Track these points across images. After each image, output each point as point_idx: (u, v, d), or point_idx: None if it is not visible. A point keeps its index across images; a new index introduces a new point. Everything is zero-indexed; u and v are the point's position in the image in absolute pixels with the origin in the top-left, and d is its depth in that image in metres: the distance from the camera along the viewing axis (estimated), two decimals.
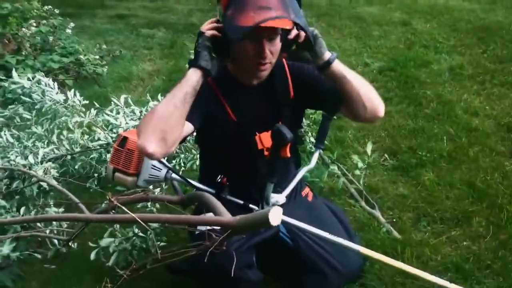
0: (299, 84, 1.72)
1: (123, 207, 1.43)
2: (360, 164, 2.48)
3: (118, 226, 2.08)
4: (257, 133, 1.70)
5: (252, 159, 1.72)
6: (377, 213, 2.34)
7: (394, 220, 2.32)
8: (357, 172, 2.49)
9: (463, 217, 2.28)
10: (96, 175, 2.54)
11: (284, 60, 1.71)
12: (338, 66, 1.58)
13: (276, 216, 1.18)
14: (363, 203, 2.42)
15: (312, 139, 2.64)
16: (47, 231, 2.04)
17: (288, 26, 1.45)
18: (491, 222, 2.21)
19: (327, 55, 1.56)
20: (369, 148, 2.49)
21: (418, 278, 1.57)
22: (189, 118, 1.54)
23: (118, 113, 2.71)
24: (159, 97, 2.85)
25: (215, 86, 1.65)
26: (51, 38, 4.33)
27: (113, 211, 1.91)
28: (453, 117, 3.13)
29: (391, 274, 1.95)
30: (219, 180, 1.71)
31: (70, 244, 2.07)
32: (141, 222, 1.34)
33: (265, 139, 1.68)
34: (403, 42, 4.51)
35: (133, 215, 1.36)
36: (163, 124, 1.46)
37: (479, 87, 3.52)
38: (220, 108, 1.66)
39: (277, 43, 1.53)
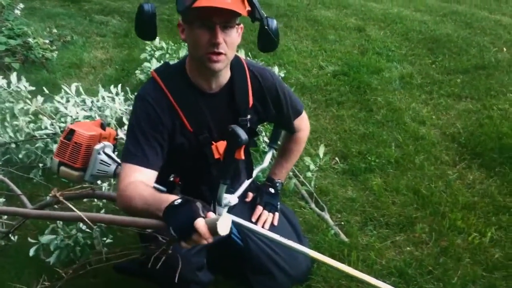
0: (258, 94, 1.72)
1: (68, 204, 1.38)
2: (312, 167, 2.50)
3: (60, 222, 2.00)
4: (213, 142, 1.67)
5: (207, 167, 1.70)
6: (326, 216, 2.37)
7: (342, 223, 2.36)
8: (309, 174, 2.51)
9: (408, 222, 2.35)
10: (41, 165, 2.44)
11: (246, 65, 1.70)
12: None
13: (225, 225, 1.16)
14: (313, 205, 2.45)
15: (266, 139, 2.65)
16: None
17: (239, 10, 1.43)
18: (434, 229, 2.29)
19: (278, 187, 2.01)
20: (321, 151, 2.52)
21: (363, 282, 1.61)
22: (150, 164, 1.53)
23: (68, 101, 2.61)
24: (112, 88, 2.77)
25: (171, 95, 1.60)
26: None
27: (56, 206, 1.85)
28: (402, 125, 3.23)
29: (337, 277, 1.98)
30: (171, 179, 1.68)
31: (10, 236, 1.99)
32: (87, 221, 1.30)
33: (221, 148, 1.64)
34: (357, 48, 4.60)
35: (79, 213, 1.31)
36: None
37: (427, 97, 3.65)
38: (177, 118, 1.62)
39: (233, 34, 1.50)
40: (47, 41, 4.16)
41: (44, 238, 1.96)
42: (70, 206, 1.32)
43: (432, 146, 2.99)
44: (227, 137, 1.53)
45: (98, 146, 1.77)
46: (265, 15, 1.60)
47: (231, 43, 1.50)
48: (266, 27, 1.60)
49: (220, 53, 1.49)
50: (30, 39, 4.02)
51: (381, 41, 4.74)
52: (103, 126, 1.91)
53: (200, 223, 1.17)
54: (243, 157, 1.49)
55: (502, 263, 2.08)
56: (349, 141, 3.06)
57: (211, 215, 1.21)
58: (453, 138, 3.08)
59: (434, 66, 4.20)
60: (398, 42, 4.72)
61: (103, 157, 1.78)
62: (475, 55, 4.33)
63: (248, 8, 1.50)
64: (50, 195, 1.43)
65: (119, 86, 2.79)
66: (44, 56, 4.01)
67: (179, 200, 1.25)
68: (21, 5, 4.51)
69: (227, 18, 1.46)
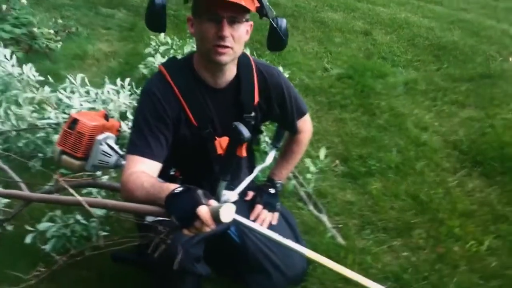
0: (264, 92, 1.72)
1: (71, 189, 1.38)
2: (312, 168, 2.50)
3: (58, 211, 2.00)
4: (216, 137, 1.67)
5: (209, 162, 1.70)
6: (324, 218, 2.37)
7: (340, 226, 2.36)
8: (309, 176, 2.51)
9: (405, 228, 2.34)
10: (40, 155, 2.43)
11: (253, 62, 1.69)
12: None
13: (228, 213, 1.16)
14: (311, 207, 2.44)
15: (267, 139, 2.64)
16: None
17: (246, 5, 1.43)
18: (431, 235, 2.29)
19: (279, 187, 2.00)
20: (322, 153, 2.52)
21: (359, 285, 1.60)
22: (154, 156, 1.53)
23: (72, 92, 2.61)
24: (118, 80, 2.76)
25: (177, 89, 1.60)
26: (4, 7, 4.12)
27: (57, 193, 1.84)
28: (404, 130, 3.22)
29: (333, 279, 1.98)
30: (172, 173, 1.67)
31: (5, 225, 1.98)
32: (86, 206, 1.29)
33: (224, 144, 1.64)
34: (363, 52, 4.60)
35: (79, 197, 1.30)
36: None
37: (431, 103, 3.64)
38: (182, 112, 1.62)
39: (241, 30, 1.50)
40: (51, 31, 4.16)
41: (41, 225, 1.96)
42: (71, 190, 1.31)
43: (433, 153, 2.98)
44: (229, 134, 1.53)
45: (100, 137, 1.78)
46: (275, 15, 1.61)
47: (238, 37, 1.50)
48: (276, 26, 1.61)
49: (226, 46, 1.49)
50: (35, 29, 4.02)
51: (387, 45, 4.74)
52: (106, 117, 1.91)
53: (203, 210, 1.16)
54: (244, 154, 1.49)
55: (499, 272, 2.07)
56: (351, 144, 3.05)
57: (212, 202, 1.20)
58: (455, 146, 3.08)
59: (439, 73, 4.19)
60: (404, 48, 4.72)
61: (105, 147, 1.78)
62: (481, 63, 4.33)
63: (257, 4, 1.51)
64: (53, 177, 1.42)
65: (127, 80, 2.78)
66: (48, 46, 4.01)
67: (180, 188, 1.25)
68: None
69: (234, 12, 1.46)
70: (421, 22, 5.49)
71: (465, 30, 5.27)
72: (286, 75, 3.45)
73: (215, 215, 1.16)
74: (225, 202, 1.69)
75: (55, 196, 1.67)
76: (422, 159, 2.91)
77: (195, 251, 1.64)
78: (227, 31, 1.46)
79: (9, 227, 2.01)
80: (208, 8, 1.45)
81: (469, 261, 2.14)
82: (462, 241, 2.26)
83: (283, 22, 1.67)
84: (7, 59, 2.60)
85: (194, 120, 1.63)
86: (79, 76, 2.67)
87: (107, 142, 1.78)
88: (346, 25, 5.27)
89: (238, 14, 1.47)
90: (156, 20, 1.61)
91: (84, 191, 2.11)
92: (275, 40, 1.66)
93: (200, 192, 1.23)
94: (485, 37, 5.02)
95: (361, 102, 3.59)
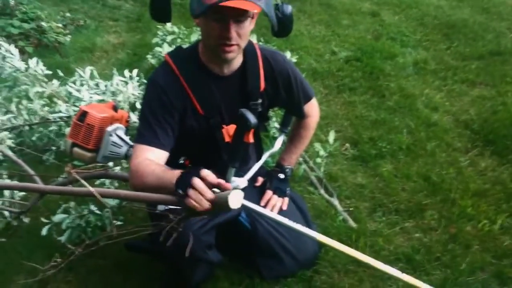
0: (270, 78, 1.72)
1: (83, 181, 1.40)
2: (322, 152, 2.50)
3: (72, 203, 2.03)
4: (224, 125, 1.69)
5: (218, 150, 1.71)
6: (335, 202, 2.38)
7: (351, 209, 2.37)
8: (318, 160, 2.52)
9: (417, 209, 2.34)
10: (53, 148, 2.47)
11: (258, 50, 1.69)
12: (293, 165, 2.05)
13: (236, 199, 1.18)
14: (322, 191, 2.45)
15: (276, 125, 2.64)
16: None
17: (251, 9, 1.43)
18: (443, 216, 2.29)
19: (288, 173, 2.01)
20: (331, 136, 2.52)
21: (370, 267, 1.61)
22: (162, 145, 1.56)
23: (82, 85, 2.64)
24: (126, 72, 2.78)
25: (183, 79, 1.61)
26: (12, 2, 4.15)
27: (71, 185, 1.88)
28: (414, 111, 3.20)
29: (344, 262, 2.00)
30: (181, 162, 1.69)
31: (21, 217, 2.02)
32: (99, 197, 1.32)
33: (232, 131, 1.65)
34: (371, 33, 4.55)
35: (92, 188, 1.33)
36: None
37: (441, 83, 3.60)
38: (188, 102, 1.63)
39: (246, 26, 1.51)
40: (60, 25, 4.18)
41: (56, 217, 2.00)
42: (83, 182, 1.33)
43: (444, 133, 2.96)
44: (236, 121, 1.54)
45: (110, 128, 1.80)
46: (281, 1, 1.60)
47: (244, 33, 1.51)
48: (279, 12, 1.61)
49: (232, 45, 1.50)
50: (43, 23, 4.04)
51: (395, 26, 4.68)
52: (115, 108, 1.93)
53: (196, 179, 1.19)
54: (251, 141, 1.50)
55: None
56: (360, 127, 3.04)
57: (210, 175, 1.21)
58: (466, 125, 3.05)
59: (449, 51, 4.14)
60: (412, 27, 4.65)
61: (115, 138, 1.81)
62: (491, 40, 4.26)
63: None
64: (65, 169, 1.44)
65: (135, 71, 2.79)
66: (57, 40, 4.03)
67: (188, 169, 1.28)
68: None
69: (240, 14, 1.46)
70: (429, 0, 5.39)
71: (475, 7, 5.17)
72: (294, 59, 3.47)
73: (224, 202, 1.18)
74: (234, 188, 1.72)
75: (68, 188, 1.70)
76: (433, 140, 2.89)
77: (206, 238, 1.66)
78: (233, 31, 1.47)
79: (26, 220, 2.05)
80: (214, 9, 1.44)
81: (481, 241, 2.14)
82: (475, 220, 2.26)
83: (288, 8, 1.66)
84: (12, 54, 2.62)
85: (200, 109, 1.65)
86: (88, 69, 2.69)
87: (116, 133, 1.80)
88: (353, 6, 5.20)
89: (243, 14, 1.47)
90: (161, 9, 1.62)
91: (97, 182, 2.14)
92: (280, 26, 1.65)
93: (206, 170, 1.24)
94: (496, 14, 4.93)
95: (370, 85, 3.57)
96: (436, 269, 1.99)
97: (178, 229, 1.31)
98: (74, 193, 1.69)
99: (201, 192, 1.18)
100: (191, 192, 1.18)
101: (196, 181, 1.18)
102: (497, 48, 4.09)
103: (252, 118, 1.45)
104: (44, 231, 1.98)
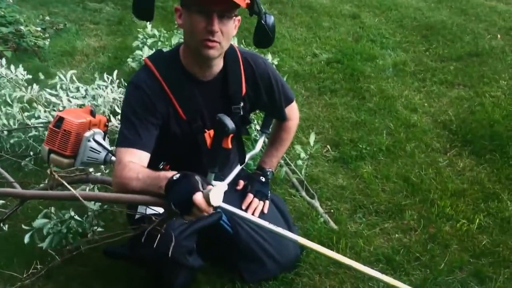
0: (251, 81, 1.73)
1: (66, 183, 1.40)
2: (303, 155, 2.52)
3: (53, 208, 2.01)
4: (206, 130, 1.69)
5: (199, 154, 1.71)
6: (316, 204, 2.39)
7: (332, 211, 2.38)
8: (300, 162, 2.53)
9: (397, 210, 2.37)
10: (32, 153, 2.44)
11: (239, 53, 1.70)
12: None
13: (217, 195, 1.19)
14: (303, 193, 2.46)
15: (258, 127, 2.65)
16: None
17: (237, 1, 1.45)
18: (422, 216, 2.32)
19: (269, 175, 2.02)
20: (312, 139, 2.53)
21: (351, 269, 1.63)
22: (145, 146, 1.56)
23: (62, 89, 2.62)
24: (105, 75, 2.76)
25: (165, 83, 1.61)
26: None
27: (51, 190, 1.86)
28: (394, 112, 3.24)
29: (325, 264, 2.01)
30: (161, 167, 1.69)
31: (0, 225, 1.99)
32: (81, 199, 1.31)
33: None
34: (352, 35, 4.59)
35: (74, 191, 1.32)
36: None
37: (420, 84, 3.65)
38: (171, 107, 1.63)
39: (230, 25, 1.52)
40: (39, 29, 4.14)
41: (37, 222, 1.97)
42: (67, 185, 1.33)
43: (424, 134, 3.00)
44: (214, 126, 1.54)
45: (88, 134, 1.78)
46: (264, 11, 1.61)
47: (226, 33, 1.52)
48: (263, 22, 1.62)
49: (214, 41, 1.50)
50: (22, 27, 3.99)
51: (375, 28, 4.73)
52: (92, 113, 1.91)
53: (198, 197, 1.20)
54: (230, 146, 1.50)
55: (490, 250, 2.11)
56: (341, 129, 3.06)
57: (210, 188, 1.23)
58: (445, 126, 3.10)
59: (427, 53, 4.20)
60: (392, 29, 4.71)
61: (93, 144, 1.79)
62: (469, 42, 4.33)
63: (248, 1, 1.52)
64: (47, 171, 1.43)
65: (115, 73, 2.77)
66: (36, 44, 3.99)
67: (178, 175, 1.27)
68: None
69: (225, 7, 1.47)
70: (409, 3, 5.47)
71: (453, 8, 5.26)
72: (275, 62, 3.48)
73: (206, 200, 1.19)
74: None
75: (52, 192, 1.68)
76: (413, 141, 2.93)
77: (187, 243, 1.66)
78: (216, 26, 1.47)
79: (4, 227, 2.03)
80: (198, 0, 1.45)
81: (460, 240, 2.17)
82: (453, 220, 2.29)
83: (271, 19, 1.67)
84: None
85: (183, 114, 1.64)
86: (70, 72, 2.67)
87: (94, 138, 1.78)
88: (334, 9, 5.25)
89: (228, 9, 1.48)
90: (144, 7, 1.61)
91: (78, 189, 2.12)
92: (262, 37, 1.67)
93: (198, 177, 1.25)
94: (473, 15, 5.02)
95: (351, 86, 3.60)
96: (416, 269, 2.02)
97: (161, 230, 1.31)
98: (56, 197, 1.68)
99: (204, 211, 1.21)
100: (195, 210, 1.21)
101: (199, 201, 1.21)
102: (475, 49, 4.16)
103: (230, 123, 1.45)
104: (26, 238, 1.96)
